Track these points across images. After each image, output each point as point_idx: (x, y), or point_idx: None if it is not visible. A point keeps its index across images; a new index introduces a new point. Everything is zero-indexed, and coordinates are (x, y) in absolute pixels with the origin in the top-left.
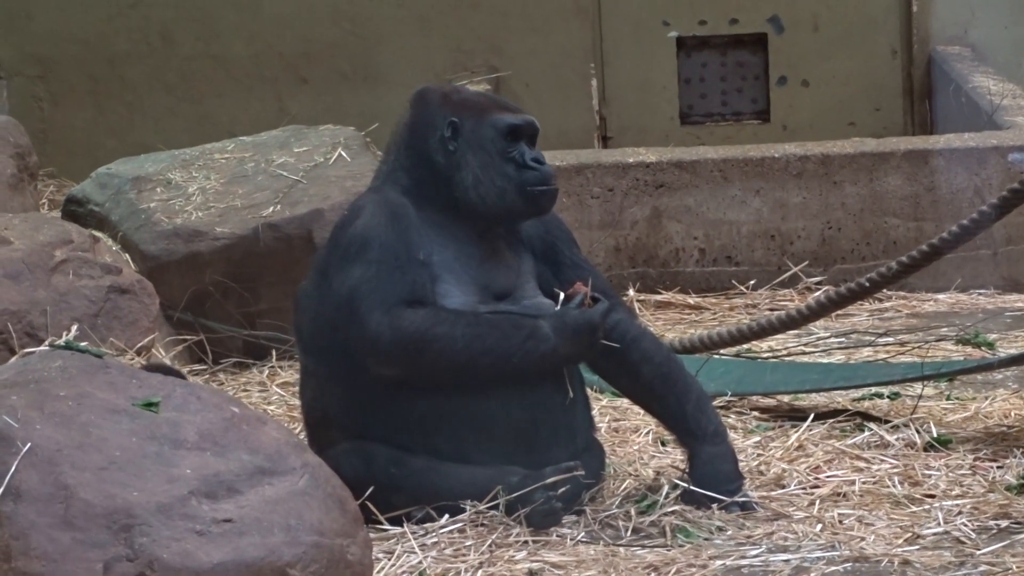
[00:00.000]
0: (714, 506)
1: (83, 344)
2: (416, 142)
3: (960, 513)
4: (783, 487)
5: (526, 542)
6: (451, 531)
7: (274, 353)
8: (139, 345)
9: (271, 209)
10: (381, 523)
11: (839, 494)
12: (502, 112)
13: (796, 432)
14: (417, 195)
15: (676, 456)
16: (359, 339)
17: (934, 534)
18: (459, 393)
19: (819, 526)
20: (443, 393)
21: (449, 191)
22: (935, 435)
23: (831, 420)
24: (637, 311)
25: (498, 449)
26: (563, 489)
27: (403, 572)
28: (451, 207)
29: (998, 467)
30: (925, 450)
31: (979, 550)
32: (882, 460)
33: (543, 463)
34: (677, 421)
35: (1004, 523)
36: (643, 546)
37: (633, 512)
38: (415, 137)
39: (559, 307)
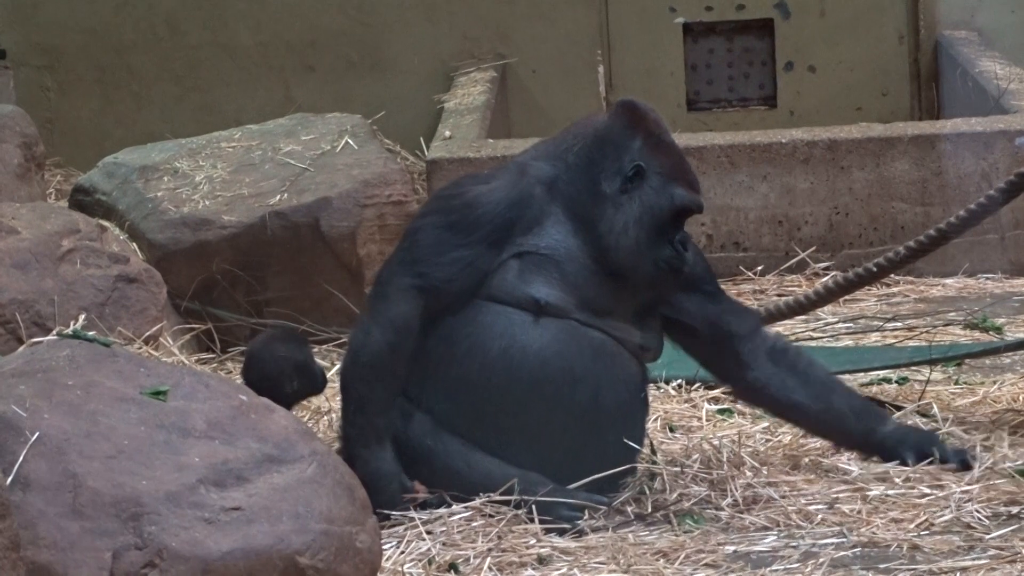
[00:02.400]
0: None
1: (91, 333)
2: (594, 154)
3: (970, 500)
4: (792, 473)
5: (535, 532)
6: (460, 518)
7: None
8: (147, 334)
9: (278, 197)
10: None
11: (848, 480)
12: (686, 187)
13: None
14: (562, 191)
15: (684, 443)
16: (377, 276)
17: (944, 520)
18: (520, 393)
19: (828, 512)
20: (505, 387)
21: (594, 213)
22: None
23: None
24: None
25: (540, 456)
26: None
27: (412, 559)
28: (584, 220)
29: (1009, 449)
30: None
31: (988, 535)
32: None
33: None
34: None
35: (1015, 509)
36: (650, 532)
37: (649, 492)
38: (596, 149)
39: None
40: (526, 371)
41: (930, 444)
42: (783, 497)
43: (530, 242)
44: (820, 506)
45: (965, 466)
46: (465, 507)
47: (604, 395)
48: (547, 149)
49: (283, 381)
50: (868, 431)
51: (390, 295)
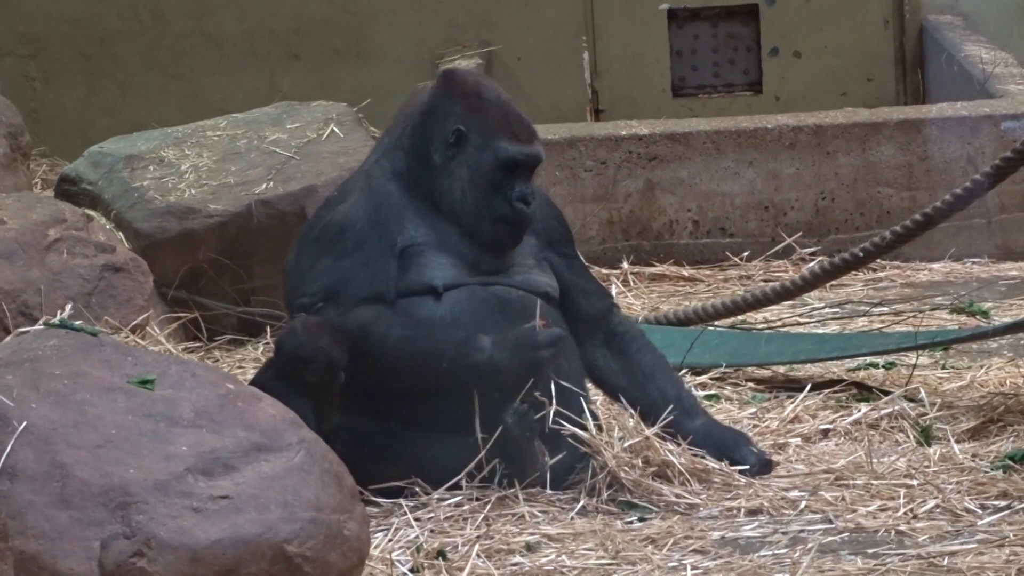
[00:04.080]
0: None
1: (78, 323)
2: (422, 130)
3: (959, 491)
4: (778, 460)
5: (523, 516)
6: (448, 504)
7: (268, 330)
8: (134, 323)
9: (264, 186)
10: (375, 500)
11: (835, 468)
12: (509, 140)
13: (792, 403)
14: (409, 178)
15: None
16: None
17: (932, 508)
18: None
19: (815, 499)
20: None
21: (434, 187)
22: (921, 427)
23: (827, 390)
24: (631, 284)
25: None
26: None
27: (400, 547)
28: (434, 198)
29: (995, 439)
30: (924, 429)
31: (978, 521)
32: (880, 436)
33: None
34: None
35: (1003, 502)
36: (641, 519)
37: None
38: (423, 125)
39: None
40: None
41: (732, 445)
42: (771, 484)
43: (407, 236)
44: (807, 492)
45: (764, 469)
46: (451, 493)
47: None
48: (386, 143)
49: (311, 371)
50: (676, 424)
51: (347, 317)
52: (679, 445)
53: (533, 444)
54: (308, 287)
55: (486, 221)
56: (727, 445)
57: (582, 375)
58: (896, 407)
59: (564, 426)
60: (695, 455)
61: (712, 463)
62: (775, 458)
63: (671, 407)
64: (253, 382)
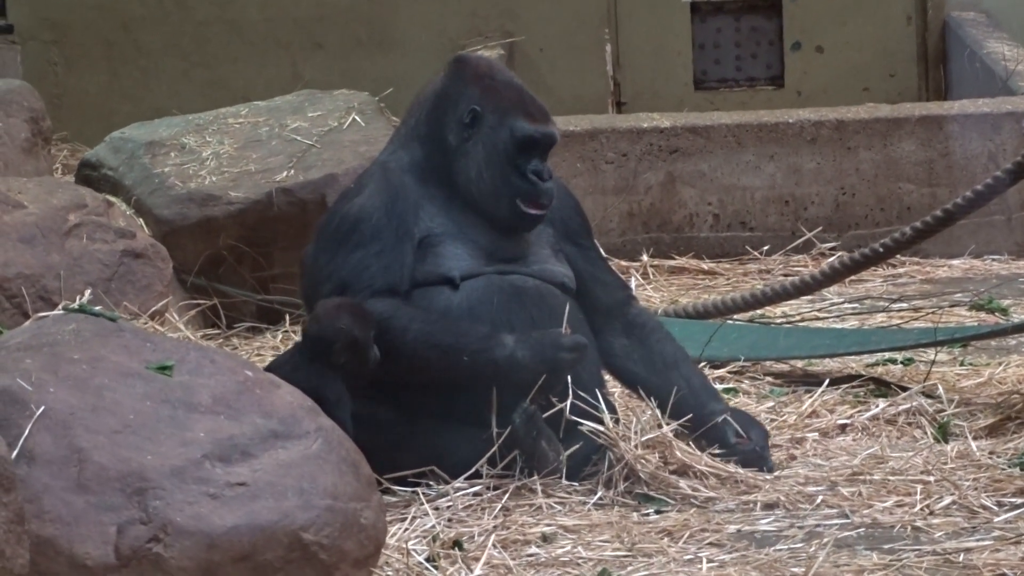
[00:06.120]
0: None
1: (97, 308)
2: (437, 115)
3: (976, 488)
4: (796, 455)
5: (539, 507)
6: (465, 494)
7: (287, 317)
8: (152, 309)
9: (285, 174)
10: (392, 488)
11: (852, 463)
12: (524, 118)
13: (810, 397)
14: (426, 168)
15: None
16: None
17: (948, 504)
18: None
19: (832, 494)
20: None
21: (452, 170)
22: (939, 423)
23: (845, 385)
24: (651, 277)
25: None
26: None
27: (416, 535)
28: (451, 183)
29: (1012, 436)
30: (942, 425)
31: (994, 518)
32: (897, 432)
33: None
34: (693, 391)
35: (1020, 499)
36: (658, 511)
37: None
38: (437, 109)
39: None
40: None
41: (756, 434)
42: (787, 477)
43: (424, 227)
44: (824, 487)
45: (766, 465)
46: (469, 483)
47: (543, 326)
48: (401, 134)
49: (335, 351)
50: (699, 407)
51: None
52: (694, 443)
53: (540, 445)
54: (325, 283)
55: (503, 200)
56: (748, 430)
57: (599, 367)
58: (914, 403)
59: (581, 420)
60: (714, 457)
61: (731, 468)
62: (792, 453)
63: (691, 407)
64: (270, 368)
